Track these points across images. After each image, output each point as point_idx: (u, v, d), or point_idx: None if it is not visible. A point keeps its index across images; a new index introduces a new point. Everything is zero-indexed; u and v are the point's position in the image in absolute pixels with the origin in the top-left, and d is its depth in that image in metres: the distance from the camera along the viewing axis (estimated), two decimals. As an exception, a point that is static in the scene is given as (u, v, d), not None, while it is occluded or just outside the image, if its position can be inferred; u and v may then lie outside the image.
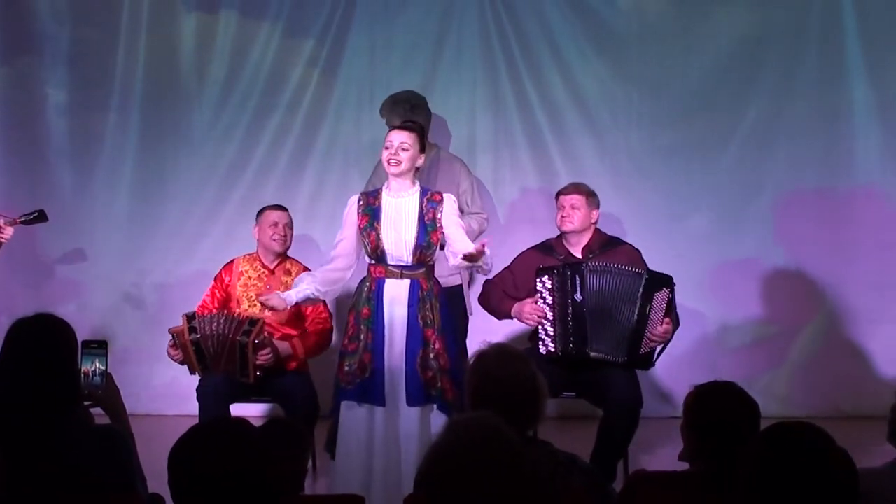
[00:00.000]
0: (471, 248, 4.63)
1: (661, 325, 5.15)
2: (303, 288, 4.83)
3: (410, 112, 6.04)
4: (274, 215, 5.65)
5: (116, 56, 7.02)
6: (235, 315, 5.38)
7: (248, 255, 5.70)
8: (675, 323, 5.27)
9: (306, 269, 5.56)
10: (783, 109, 6.89)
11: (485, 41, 6.95)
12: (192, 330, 5.28)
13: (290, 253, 5.70)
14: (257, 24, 7.00)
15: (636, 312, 5.12)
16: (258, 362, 5.26)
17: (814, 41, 6.88)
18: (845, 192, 6.88)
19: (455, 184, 6.03)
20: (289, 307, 4.92)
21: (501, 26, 6.93)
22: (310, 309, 5.46)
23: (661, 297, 5.15)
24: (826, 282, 6.87)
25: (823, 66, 6.88)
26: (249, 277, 5.60)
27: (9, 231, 5.97)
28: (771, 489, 2.34)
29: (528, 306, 5.23)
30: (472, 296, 6.03)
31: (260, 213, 5.71)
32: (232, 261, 5.70)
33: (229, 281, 5.61)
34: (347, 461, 4.73)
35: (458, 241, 4.77)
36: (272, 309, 4.97)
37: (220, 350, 5.27)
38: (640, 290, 5.13)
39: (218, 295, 5.60)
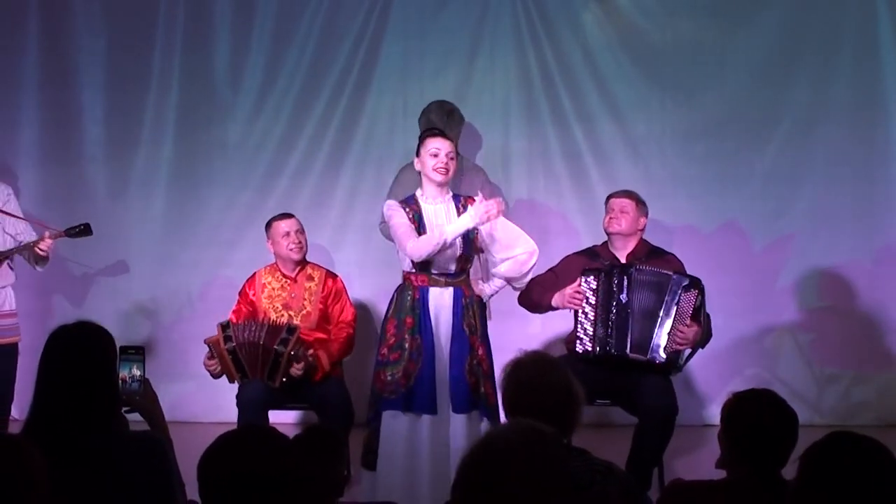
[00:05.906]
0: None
1: (688, 327, 5.14)
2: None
3: (453, 114, 6.17)
4: (283, 225, 5.62)
5: (152, 65, 7.07)
6: (269, 321, 5.40)
7: (269, 266, 5.70)
8: (706, 332, 5.26)
9: (329, 272, 5.63)
10: (818, 118, 6.83)
11: (518, 50, 6.94)
12: (227, 339, 5.32)
13: (316, 259, 5.70)
14: (291, 33, 7.03)
15: (663, 312, 5.15)
16: (291, 372, 5.28)
17: (849, 50, 6.83)
18: (883, 200, 6.82)
19: (474, 192, 6.08)
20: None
21: (535, 35, 6.91)
22: (336, 311, 5.52)
23: (687, 298, 5.16)
24: (864, 289, 6.80)
25: (859, 74, 6.82)
26: (273, 288, 5.60)
27: (48, 243, 6.02)
28: (826, 500, 2.33)
29: (569, 289, 5.22)
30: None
31: (268, 226, 5.67)
32: (254, 274, 5.70)
33: (254, 294, 5.61)
34: (390, 469, 4.72)
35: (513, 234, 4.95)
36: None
37: (255, 355, 5.29)
38: (668, 289, 5.16)
39: (244, 310, 5.60)
